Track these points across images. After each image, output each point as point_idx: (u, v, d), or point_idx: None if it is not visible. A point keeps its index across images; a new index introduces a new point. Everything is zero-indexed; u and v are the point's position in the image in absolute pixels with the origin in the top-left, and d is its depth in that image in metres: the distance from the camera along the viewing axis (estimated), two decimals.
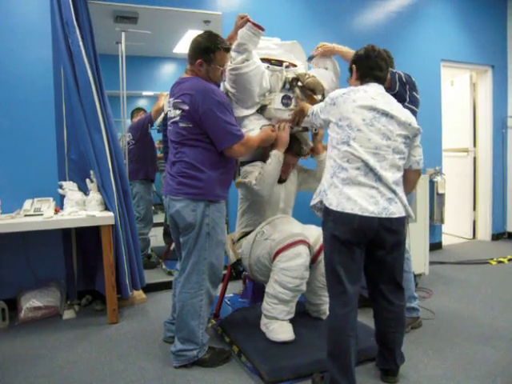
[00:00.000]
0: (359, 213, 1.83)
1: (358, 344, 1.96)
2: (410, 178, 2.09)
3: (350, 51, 2.49)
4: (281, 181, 2.63)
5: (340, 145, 1.91)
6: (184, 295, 2.22)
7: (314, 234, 2.53)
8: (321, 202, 1.97)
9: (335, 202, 1.87)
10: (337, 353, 1.90)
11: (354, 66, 2.10)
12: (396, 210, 1.90)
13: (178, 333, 2.25)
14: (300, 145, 2.61)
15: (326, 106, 2.03)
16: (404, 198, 1.96)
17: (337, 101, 1.96)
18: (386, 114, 1.91)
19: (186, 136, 2.15)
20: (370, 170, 1.87)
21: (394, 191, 1.90)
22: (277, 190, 2.63)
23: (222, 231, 2.26)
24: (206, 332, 2.29)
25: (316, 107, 2.15)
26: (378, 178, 1.87)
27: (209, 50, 2.15)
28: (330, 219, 1.90)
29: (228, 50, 2.24)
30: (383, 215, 1.86)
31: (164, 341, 2.54)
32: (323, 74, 2.58)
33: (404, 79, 2.38)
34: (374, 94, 1.96)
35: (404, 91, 2.37)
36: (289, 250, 2.33)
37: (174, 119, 2.19)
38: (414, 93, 2.45)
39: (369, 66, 2.04)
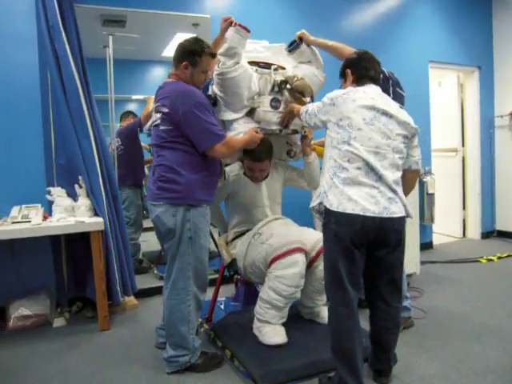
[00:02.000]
0: (361, 213, 1.82)
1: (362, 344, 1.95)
2: (409, 179, 2.11)
3: (329, 43, 2.57)
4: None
5: (341, 144, 1.91)
6: (171, 301, 2.21)
7: (312, 238, 2.48)
8: (320, 203, 1.96)
9: (336, 203, 1.86)
10: (343, 355, 1.89)
11: (348, 70, 2.11)
12: (397, 210, 1.90)
13: (169, 339, 2.24)
14: (260, 150, 2.48)
15: (324, 106, 2.02)
16: (404, 198, 1.97)
17: (336, 101, 1.95)
18: (385, 114, 1.93)
19: (166, 139, 2.14)
20: (370, 169, 1.87)
21: (394, 191, 1.91)
22: (254, 188, 2.62)
23: (205, 236, 2.23)
24: (198, 336, 2.28)
25: (310, 107, 2.14)
26: (379, 178, 1.88)
27: (195, 53, 2.16)
28: (332, 221, 1.89)
29: (214, 55, 2.25)
30: (384, 215, 1.86)
31: (156, 347, 2.51)
32: (309, 77, 2.58)
33: (387, 74, 2.39)
34: (373, 94, 1.98)
35: (388, 86, 2.38)
36: (285, 257, 2.30)
37: (155, 122, 2.19)
38: (398, 89, 2.47)
39: (364, 67, 2.06)
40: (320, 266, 2.41)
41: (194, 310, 2.23)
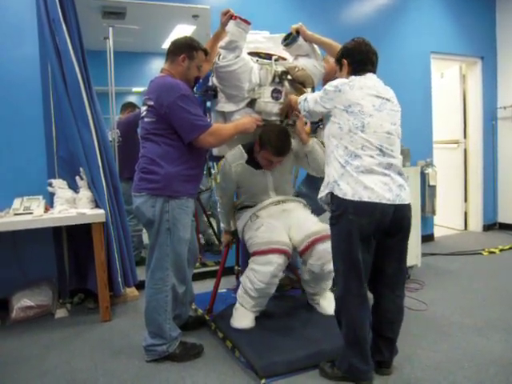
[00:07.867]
0: (377, 200, 1.82)
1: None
2: None
3: (324, 40, 2.55)
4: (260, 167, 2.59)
5: (353, 131, 1.88)
6: (149, 291, 2.25)
7: (302, 233, 2.48)
8: (329, 193, 1.94)
9: (351, 192, 1.84)
10: (356, 343, 1.93)
11: (344, 60, 2.06)
12: (406, 197, 1.91)
13: (147, 327, 2.29)
14: (284, 145, 2.46)
15: (327, 94, 1.98)
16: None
17: (342, 88, 1.93)
18: (388, 100, 1.96)
19: (149, 130, 2.18)
20: (382, 156, 1.88)
21: (402, 177, 1.93)
22: (259, 177, 2.60)
23: (184, 228, 2.23)
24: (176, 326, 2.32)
25: (309, 96, 2.11)
26: (390, 165, 1.89)
27: (192, 48, 2.24)
28: (350, 211, 1.85)
29: (206, 53, 2.33)
30: (397, 202, 1.86)
31: None
32: (310, 67, 2.56)
33: None
34: (374, 82, 1.99)
35: None
36: (261, 256, 2.39)
37: (142, 115, 2.23)
38: None
39: (361, 60, 2.02)
40: (309, 259, 2.47)
41: (172, 301, 2.27)
